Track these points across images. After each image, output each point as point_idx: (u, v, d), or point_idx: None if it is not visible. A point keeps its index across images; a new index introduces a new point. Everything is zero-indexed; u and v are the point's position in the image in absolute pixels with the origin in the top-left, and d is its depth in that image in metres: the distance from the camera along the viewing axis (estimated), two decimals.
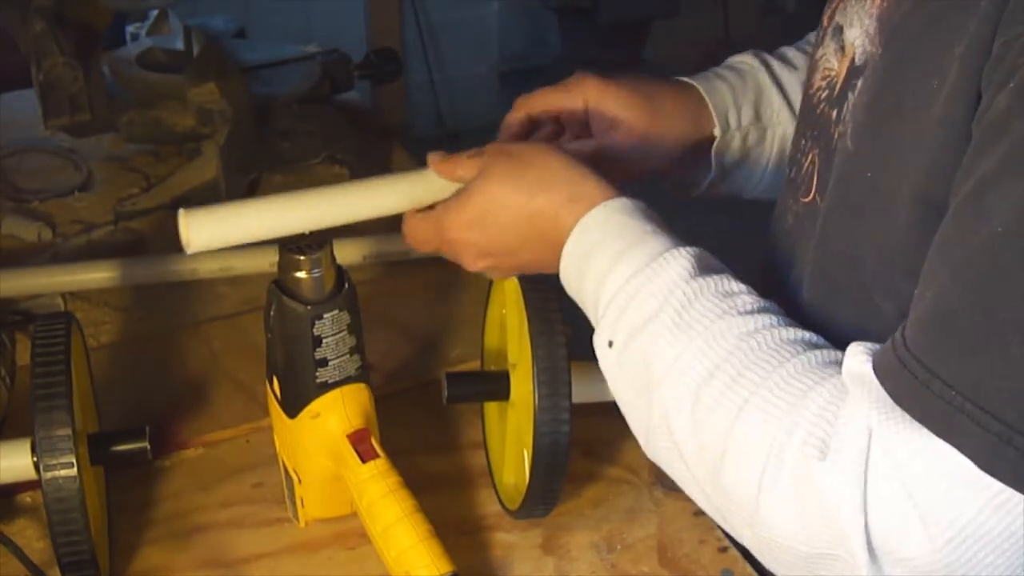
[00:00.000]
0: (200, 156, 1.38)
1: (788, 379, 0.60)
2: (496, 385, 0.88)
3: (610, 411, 0.98)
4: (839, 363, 0.60)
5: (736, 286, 0.65)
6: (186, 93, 1.34)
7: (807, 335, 0.63)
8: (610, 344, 0.68)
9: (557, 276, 0.81)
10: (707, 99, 0.87)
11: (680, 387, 0.62)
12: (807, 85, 0.77)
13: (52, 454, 0.74)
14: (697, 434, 0.62)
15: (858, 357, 0.58)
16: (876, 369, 0.56)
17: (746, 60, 0.91)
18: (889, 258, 0.65)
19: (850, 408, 0.56)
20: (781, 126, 0.89)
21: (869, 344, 0.59)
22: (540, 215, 0.73)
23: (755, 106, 0.89)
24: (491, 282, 0.93)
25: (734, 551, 0.86)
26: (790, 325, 0.63)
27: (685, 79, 0.89)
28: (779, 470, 0.58)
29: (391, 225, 1.31)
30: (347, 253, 1.17)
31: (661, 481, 0.93)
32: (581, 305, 0.73)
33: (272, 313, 0.79)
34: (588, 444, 0.95)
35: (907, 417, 0.54)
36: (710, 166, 0.88)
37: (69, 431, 0.74)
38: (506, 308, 0.91)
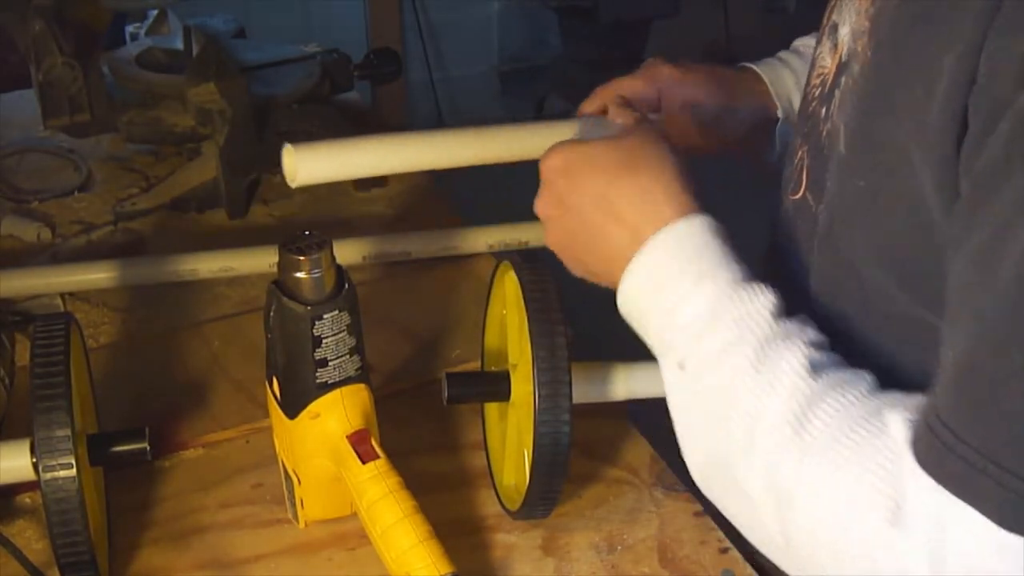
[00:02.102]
0: (200, 156, 1.38)
1: (857, 425, 0.59)
2: (496, 385, 0.88)
3: (610, 411, 0.98)
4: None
5: (814, 334, 0.64)
6: (186, 93, 1.34)
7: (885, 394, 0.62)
8: (680, 366, 0.66)
9: (557, 275, 0.81)
10: (769, 84, 0.90)
11: (758, 430, 0.61)
12: (806, 83, 0.77)
13: (51, 455, 0.74)
14: (768, 475, 0.60)
15: (902, 426, 0.57)
16: (914, 444, 0.55)
17: (810, 43, 0.93)
18: (884, 265, 0.64)
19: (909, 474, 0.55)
20: None
21: (913, 403, 0.58)
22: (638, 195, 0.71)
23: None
24: (491, 282, 0.93)
25: (735, 552, 0.86)
26: (870, 383, 0.62)
27: (750, 65, 0.92)
28: (850, 526, 0.57)
29: (391, 225, 1.31)
30: (347, 253, 1.16)
31: (661, 481, 0.93)
32: (635, 308, 0.70)
33: (272, 313, 0.79)
34: (588, 444, 0.95)
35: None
36: (775, 144, 0.91)
37: (68, 432, 0.74)
38: (506, 308, 0.91)
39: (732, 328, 0.63)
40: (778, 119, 0.90)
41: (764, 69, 0.92)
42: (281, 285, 0.78)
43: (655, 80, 0.89)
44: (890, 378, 0.64)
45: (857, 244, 0.66)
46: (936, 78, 0.56)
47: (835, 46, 0.71)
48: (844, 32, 0.69)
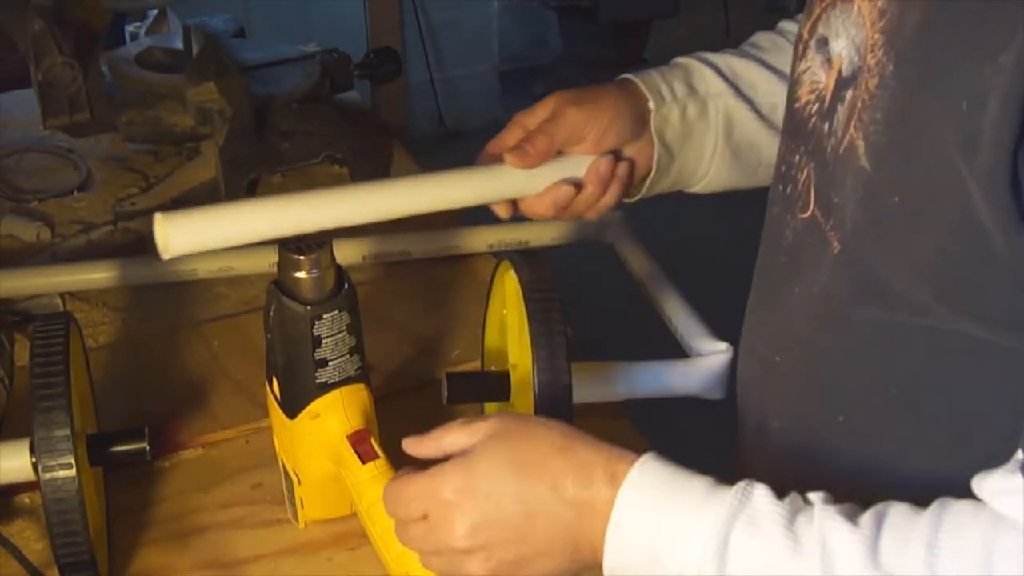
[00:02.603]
0: (199, 156, 1.38)
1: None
2: (496, 385, 0.88)
3: (610, 411, 0.98)
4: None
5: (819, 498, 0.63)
6: (185, 93, 1.34)
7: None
8: None
9: (557, 275, 0.81)
10: (637, 81, 0.88)
11: None
12: (791, 100, 0.76)
13: (51, 455, 0.74)
14: None
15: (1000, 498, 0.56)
16: None
17: (677, 58, 0.93)
18: (923, 278, 0.63)
19: None
20: (720, 97, 0.89)
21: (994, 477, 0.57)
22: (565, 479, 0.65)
23: (686, 80, 0.89)
24: (491, 282, 0.93)
25: None
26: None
27: (621, 76, 0.91)
28: None
29: (392, 225, 1.31)
30: (347, 253, 1.16)
31: None
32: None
33: (272, 313, 0.79)
34: None
35: None
36: (654, 146, 0.88)
37: (68, 432, 0.74)
38: (506, 308, 0.90)
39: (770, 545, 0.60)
40: (648, 110, 0.88)
41: (632, 73, 0.90)
42: (281, 285, 0.78)
43: (548, 109, 0.87)
44: (916, 391, 0.64)
45: (888, 260, 0.65)
46: (983, 90, 0.55)
47: (828, 60, 0.70)
48: (840, 46, 0.68)
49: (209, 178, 1.34)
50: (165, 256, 0.75)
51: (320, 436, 0.81)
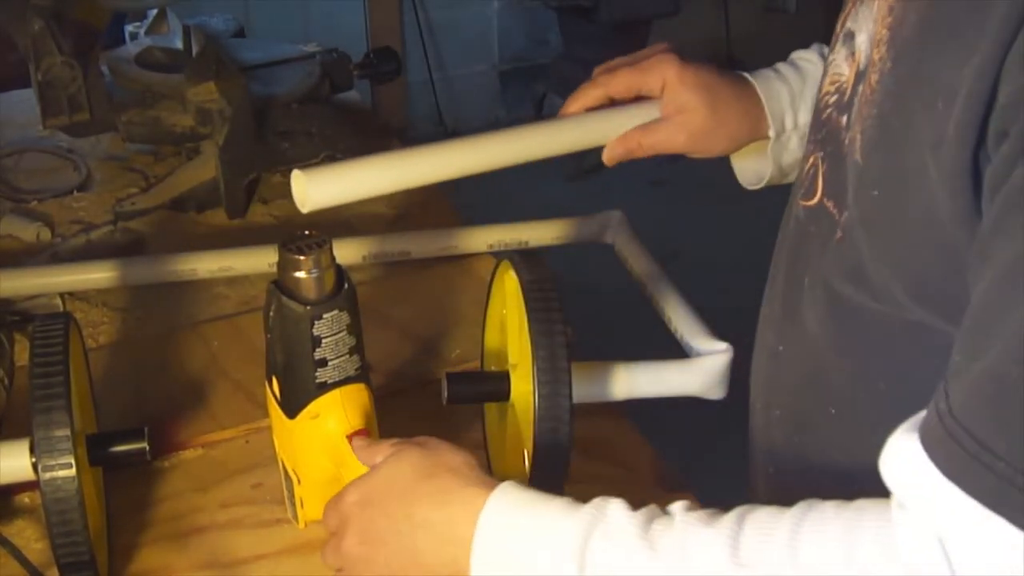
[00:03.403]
0: (199, 156, 1.38)
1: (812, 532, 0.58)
2: (496, 385, 0.88)
3: (610, 411, 0.98)
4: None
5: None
6: (185, 93, 1.34)
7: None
8: None
9: (556, 275, 0.81)
10: (763, 100, 0.91)
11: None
12: (819, 89, 0.77)
13: (51, 455, 0.74)
14: None
15: (903, 442, 0.56)
16: (924, 442, 0.55)
17: (809, 58, 0.94)
18: (896, 273, 0.64)
19: (911, 524, 0.55)
20: None
21: (903, 429, 0.57)
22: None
23: (812, 104, 0.89)
24: (491, 282, 0.93)
25: None
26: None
27: (747, 75, 0.92)
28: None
29: (391, 225, 1.31)
30: (347, 253, 1.16)
31: (662, 481, 0.93)
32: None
33: (271, 313, 0.79)
34: (588, 444, 0.95)
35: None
36: (769, 166, 0.92)
37: (68, 432, 0.74)
38: (506, 308, 0.90)
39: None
40: (768, 137, 0.91)
41: (761, 85, 0.92)
42: (281, 284, 0.78)
43: (661, 75, 0.90)
44: (904, 388, 0.64)
45: (872, 253, 0.66)
46: (955, 92, 0.56)
47: (852, 54, 0.71)
48: (861, 40, 0.69)
49: (209, 178, 1.34)
50: (304, 209, 0.82)
51: (320, 436, 0.81)
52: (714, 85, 0.90)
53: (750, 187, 0.97)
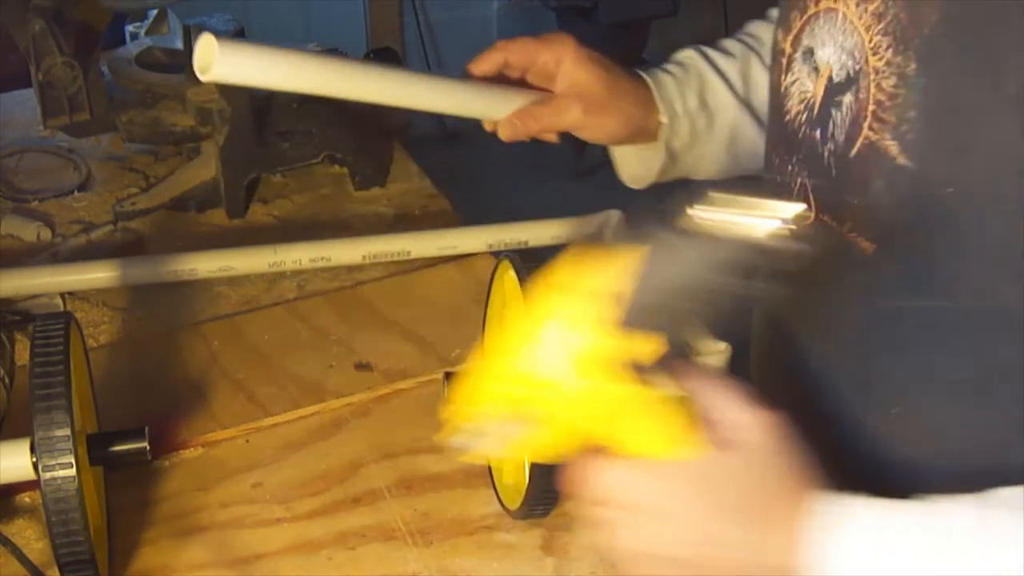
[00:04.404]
0: (200, 156, 1.38)
1: None
2: None
3: None
4: None
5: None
6: (185, 93, 1.34)
7: None
8: None
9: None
10: (653, 88, 0.92)
11: None
12: (780, 113, 0.77)
13: (51, 454, 0.74)
14: None
15: None
16: None
17: (687, 53, 0.96)
18: (988, 261, 0.64)
19: None
20: (729, 111, 0.93)
21: None
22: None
23: (699, 94, 0.93)
24: (491, 281, 0.93)
25: None
26: None
27: (636, 71, 0.94)
28: None
29: (391, 225, 1.31)
30: (347, 253, 1.16)
31: None
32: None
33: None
34: None
35: None
36: (661, 154, 0.94)
37: (68, 431, 0.74)
38: (506, 308, 0.91)
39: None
40: (660, 124, 0.92)
41: (648, 74, 0.93)
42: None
43: (559, 49, 0.91)
44: (977, 377, 0.65)
45: (946, 249, 0.65)
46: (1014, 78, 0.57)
47: (815, 69, 0.72)
48: (827, 54, 0.70)
49: (209, 178, 1.34)
50: (204, 76, 0.77)
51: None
52: (608, 65, 0.92)
53: (634, 185, 0.99)
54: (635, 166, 0.98)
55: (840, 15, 0.69)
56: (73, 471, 0.74)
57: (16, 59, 1.34)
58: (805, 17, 0.73)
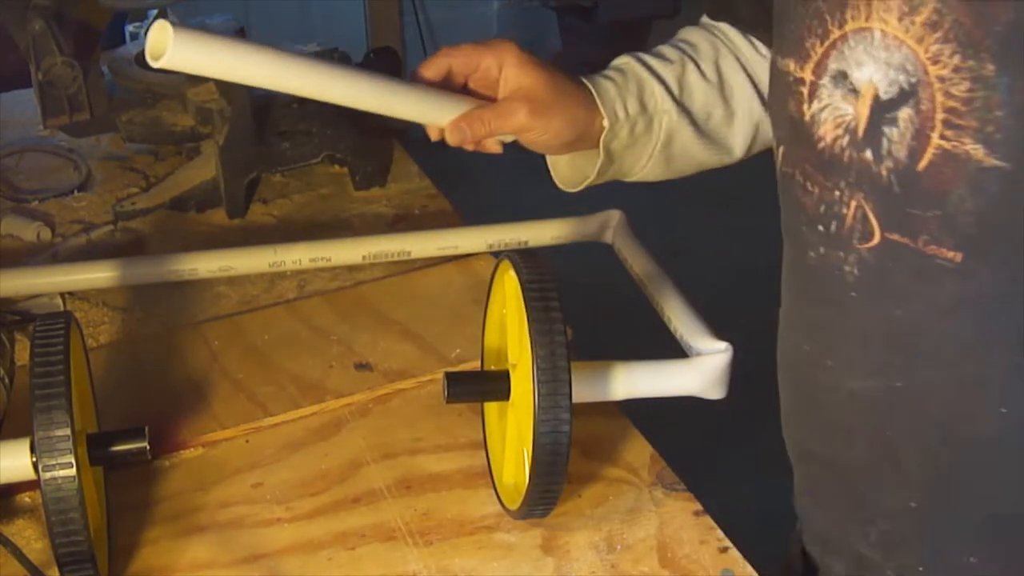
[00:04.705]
0: (200, 156, 1.38)
1: None
2: (496, 385, 0.88)
3: (610, 411, 0.98)
4: None
5: None
6: (185, 92, 1.34)
7: None
8: None
9: (556, 274, 0.81)
10: (595, 94, 0.93)
11: None
12: (808, 143, 0.76)
13: (51, 454, 0.74)
14: None
15: None
16: None
17: (624, 60, 0.97)
18: None
19: None
20: (666, 114, 0.95)
21: None
22: None
23: (639, 97, 0.94)
24: (491, 282, 0.93)
25: (734, 551, 0.86)
26: None
27: (577, 76, 0.94)
28: None
29: (391, 225, 1.31)
30: (347, 253, 1.16)
31: (661, 481, 0.93)
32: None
33: None
34: (588, 444, 0.95)
35: None
36: (597, 156, 0.94)
37: (68, 431, 0.74)
38: (506, 308, 0.91)
39: None
40: (602, 129, 0.93)
41: (589, 81, 0.94)
42: None
43: (500, 54, 0.91)
44: None
45: None
46: None
47: (852, 91, 0.71)
48: (867, 73, 0.69)
49: (209, 178, 1.34)
50: (155, 62, 0.78)
51: None
52: (551, 68, 0.92)
53: (570, 189, 0.99)
54: (572, 171, 0.99)
55: (877, 33, 0.68)
56: (73, 471, 0.74)
57: (16, 59, 1.34)
58: (828, 43, 0.72)
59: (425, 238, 1.21)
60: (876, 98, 0.69)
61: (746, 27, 0.96)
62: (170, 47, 0.77)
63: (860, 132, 0.71)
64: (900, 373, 0.76)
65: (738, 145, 0.98)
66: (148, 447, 0.84)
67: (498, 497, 0.90)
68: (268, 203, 1.36)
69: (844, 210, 0.74)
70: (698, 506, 0.90)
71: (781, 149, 0.80)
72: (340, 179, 1.41)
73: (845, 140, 0.72)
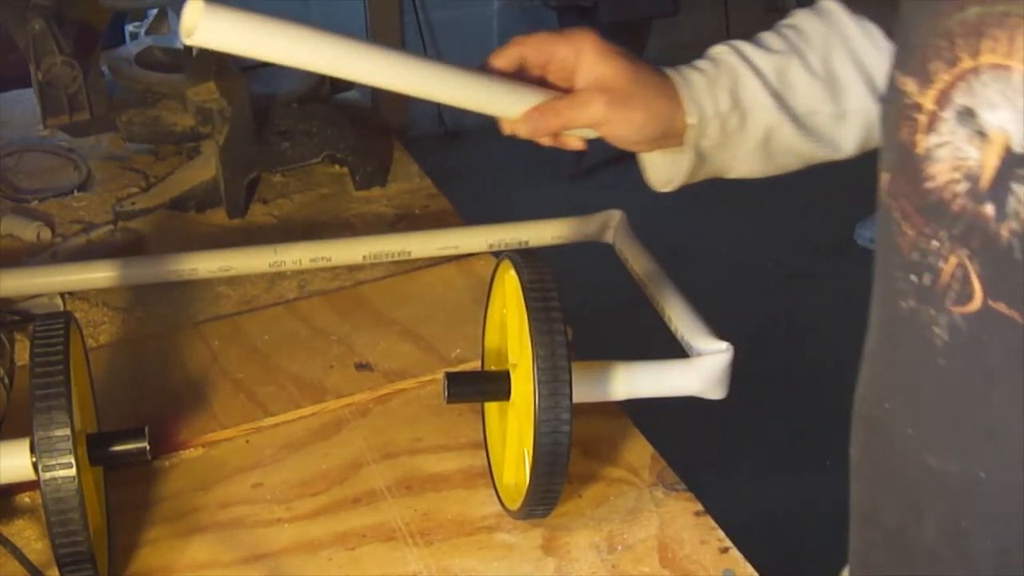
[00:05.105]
0: (200, 156, 1.38)
1: None
2: (496, 385, 0.88)
3: (611, 411, 0.98)
4: None
5: None
6: (185, 92, 1.34)
7: None
8: None
9: (556, 274, 0.81)
10: (681, 88, 0.86)
11: None
12: (916, 176, 0.66)
13: (51, 454, 0.74)
14: None
15: None
16: None
17: (720, 48, 0.90)
18: None
19: None
20: (764, 111, 0.87)
21: None
22: None
23: (731, 92, 0.87)
24: (491, 281, 0.93)
25: (735, 551, 0.85)
26: None
27: (662, 68, 0.88)
28: None
29: (391, 225, 1.31)
30: (347, 253, 1.16)
31: (662, 481, 0.93)
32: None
33: None
34: (588, 444, 0.95)
35: None
36: (689, 155, 0.88)
37: (68, 431, 0.74)
38: (506, 308, 0.91)
39: None
40: (686, 126, 0.87)
41: (675, 74, 0.88)
42: None
43: (578, 43, 0.86)
44: None
45: None
46: None
47: (979, 134, 0.62)
48: (1002, 118, 0.60)
49: (209, 178, 1.34)
50: (188, 39, 0.74)
51: None
52: (633, 58, 0.86)
53: (663, 189, 0.93)
54: (662, 169, 0.92)
55: (1018, 76, 0.59)
56: (73, 471, 0.74)
57: (16, 59, 1.34)
58: (956, 71, 0.63)
59: (425, 238, 1.21)
60: (1008, 149, 0.60)
61: (863, 12, 0.87)
62: (201, 21, 0.73)
63: (983, 183, 0.62)
64: (986, 464, 0.66)
65: (849, 143, 0.90)
66: (148, 447, 0.84)
67: (498, 497, 0.90)
68: (268, 203, 1.36)
69: (940, 264, 0.65)
70: (699, 506, 0.90)
71: (887, 177, 0.70)
72: (340, 179, 1.41)
73: (961, 187, 0.63)
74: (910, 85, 0.66)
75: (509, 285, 0.88)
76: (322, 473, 0.93)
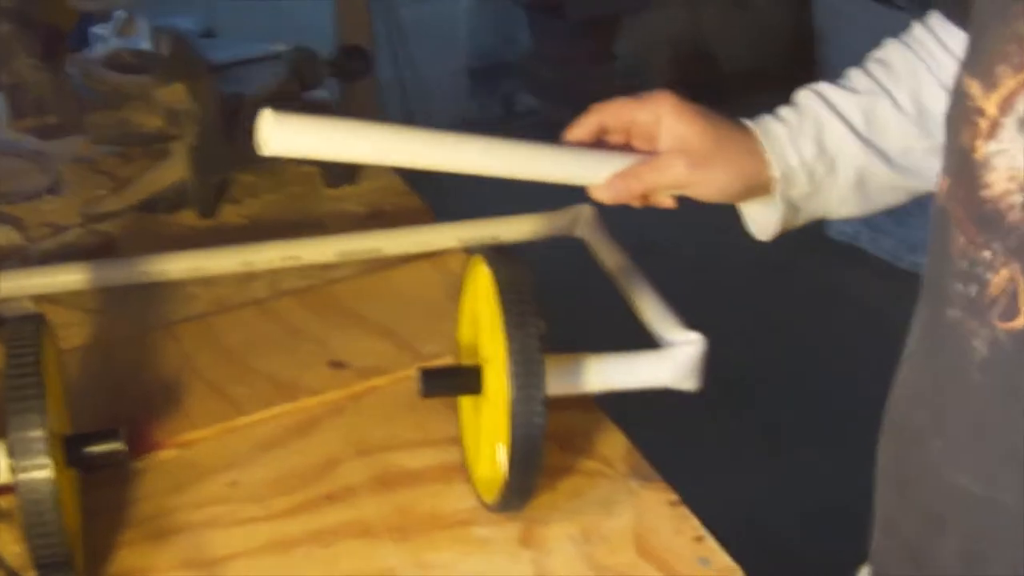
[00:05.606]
0: (169, 157, 1.38)
1: None
2: (469, 379, 0.89)
3: (585, 403, 0.98)
4: None
5: None
6: (153, 93, 1.33)
7: None
8: None
9: (530, 268, 0.82)
10: (762, 141, 0.86)
11: None
12: (971, 182, 0.64)
13: (26, 456, 0.74)
14: None
15: None
16: None
17: (803, 94, 0.89)
18: None
19: None
20: (853, 157, 0.86)
21: None
22: None
23: (816, 140, 0.86)
24: (464, 277, 0.94)
25: (710, 540, 0.86)
26: None
27: (743, 121, 0.87)
28: None
29: (362, 223, 1.31)
30: (318, 251, 1.16)
31: (636, 472, 0.93)
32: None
33: None
34: (563, 437, 0.96)
35: None
36: (779, 206, 0.87)
37: (43, 432, 0.74)
38: (479, 303, 0.91)
39: None
40: (773, 177, 0.86)
41: (758, 125, 0.87)
42: None
43: (657, 106, 0.85)
44: None
45: None
46: None
47: None
48: None
49: (179, 179, 1.33)
50: (263, 150, 0.79)
51: None
52: (711, 116, 0.86)
53: (764, 238, 0.92)
54: (759, 219, 0.91)
55: None
56: (49, 472, 0.74)
57: None
58: (1021, 77, 0.60)
59: (397, 235, 1.21)
60: None
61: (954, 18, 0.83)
62: (272, 134, 0.79)
63: None
64: (1012, 490, 0.65)
65: None
66: (125, 448, 0.84)
67: (475, 491, 0.91)
68: (239, 203, 1.36)
69: (990, 275, 0.63)
70: (674, 496, 0.91)
71: (947, 181, 0.68)
72: (310, 178, 1.41)
73: (1017, 198, 0.61)
74: (975, 88, 0.63)
75: (481, 280, 0.89)
76: (297, 471, 0.93)
